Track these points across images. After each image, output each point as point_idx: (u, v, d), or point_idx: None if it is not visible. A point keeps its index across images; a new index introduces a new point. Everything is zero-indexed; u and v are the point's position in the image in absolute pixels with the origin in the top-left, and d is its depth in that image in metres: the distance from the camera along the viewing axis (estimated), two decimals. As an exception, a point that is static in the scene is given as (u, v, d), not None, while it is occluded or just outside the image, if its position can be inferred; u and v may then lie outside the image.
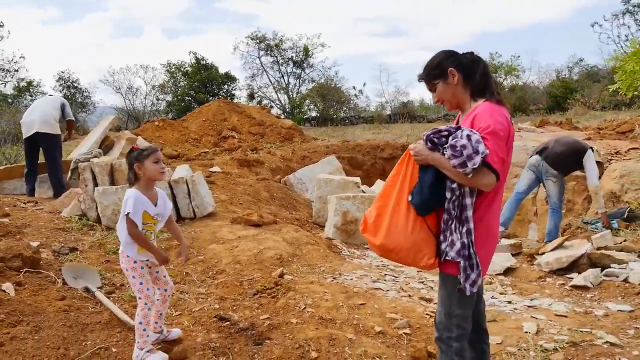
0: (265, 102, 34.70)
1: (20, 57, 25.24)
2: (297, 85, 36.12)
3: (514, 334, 3.69)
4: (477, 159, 2.21)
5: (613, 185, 7.53)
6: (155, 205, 3.21)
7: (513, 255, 6.14)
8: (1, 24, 22.21)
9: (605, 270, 5.11)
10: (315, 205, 8.45)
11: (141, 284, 3.14)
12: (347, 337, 3.57)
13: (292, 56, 35.25)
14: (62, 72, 30.98)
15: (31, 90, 27.48)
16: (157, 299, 3.33)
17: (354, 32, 74.96)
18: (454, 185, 2.34)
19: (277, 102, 35.52)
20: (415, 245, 2.40)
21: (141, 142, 8.86)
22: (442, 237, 2.40)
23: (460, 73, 2.45)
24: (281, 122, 16.32)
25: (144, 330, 3.14)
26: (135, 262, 3.14)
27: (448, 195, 2.36)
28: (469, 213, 2.36)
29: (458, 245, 2.35)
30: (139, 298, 3.15)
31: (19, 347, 3.10)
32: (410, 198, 2.39)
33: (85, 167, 6.21)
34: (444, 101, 2.54)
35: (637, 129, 10.18)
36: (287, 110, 33.71)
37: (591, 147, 6.64)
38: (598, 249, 5.51)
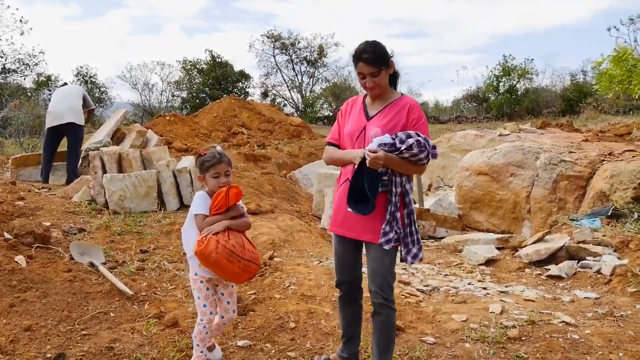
0: (278, 100, 35.08)
1: (39, 52, 25.85)
2: (311, 84, 36.47)
3: (480, 314, 4.00)
4: (436, 151, 2.69)
5: (603, 185, 7.74)
6: None
7: (498, 248, 6.42)
8: (23, 20, 22.79)
9: (581, 262, 5.38)
10: (315, 199, 8.79)
11: (198, 298, 2.98)
12: (324, 311, 3.91)
13: (306, 55, 35.60)
14: (81, 67, 31.67)
15: (50, 85, 28.15)
16: (218, 320, 3.15)
17: (372, 33, 75.25)
18: (399, 179, 2.73)
19: (291, 100, 35.91)
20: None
21: (151, 135, 9.27)
22: (388, 227, 2.74)
23: (392, 66, 2.86)
24: (290, 119, 16.71)
25: (197, 346, 3.00)
26: (196, 274, 2.97)
27: (395, 189, 2.73)
28: (410, 197, 2.77)
29: (404, 231, 2.76)
30: (197, 313, 3.04)
31: (27, 308, 3.49)
32: (351, 204, 2.70)
33: (95, 155, 6.63)
34: (376, 86, 2.81)
35: (635, 132, 10.36)
36: (300, 108, 34.07)
37: None
38: (578, 243, 5.77)
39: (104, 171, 6.61)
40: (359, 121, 2.88)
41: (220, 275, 2.84)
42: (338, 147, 2.99)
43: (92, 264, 4.46)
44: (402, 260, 2.80)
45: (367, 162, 2.61)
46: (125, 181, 6.25)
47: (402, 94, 2.90)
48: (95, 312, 3.61)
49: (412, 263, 2.79)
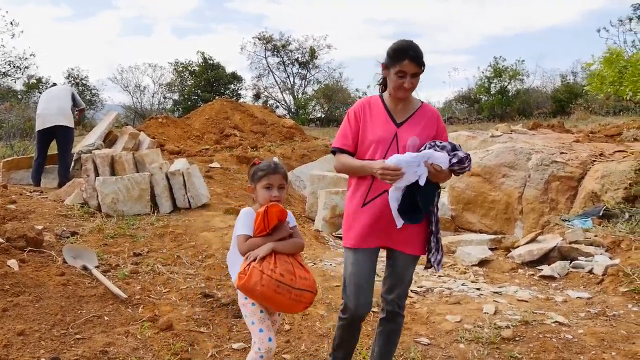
0: (270, 102, 35.06)
1: (30, 55, 25.77)
2: (303, 86, 36.50)
3: (474, 314, 4.02)
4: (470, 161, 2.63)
5: (594, 185, 7.80)
6: None
7: (491, 249, 6.45)
8: (14, 23, 22.69)
9: (573, 262, 5.42)
10: (308, 200, 8.80)
11: (253, 323, 2.55)
12: (319, 313, 3.92)
13: (298, 57, 35.61)
14: (72, 69, 31.51)
15: (40, 87, 27.98)
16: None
17: (365, 34, 75.30)
18: (438, 190, 2.72)
19: (283, 102, 35.90)
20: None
21: (143, 138, 9.24)
22: (434, 240, 2.74)
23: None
24: (283, 121, 16.68)
25: None
26: (245, 298, 2.57)
27: (436, 199, 2.72)
28: (437, 206, 2.76)
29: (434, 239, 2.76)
30: (253, 342, 2.53)
31: (21, 313, 3.47)
32: (403, 215, 2.59)
33: (87, 158, 6.60)
34: (412, 88, 2.65)
35: (625, 133, 10.45)
36: (292, 110, 34.06)
37: None
38: (570, 243, 5.81)
39: (97, 174, 6.59)
40: (387, 128, 2.67)
41: (271, 307, 2.53)
42: (349, 153, 2.73)
43: (85, 268, 4.45)
44: (426, 267, 2.82)
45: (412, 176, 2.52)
46: (118, 184, 6.23)
47: (422, 101, 2.80)
48: (89, 316, 3.60)
49: (438, 270, 2.80)
